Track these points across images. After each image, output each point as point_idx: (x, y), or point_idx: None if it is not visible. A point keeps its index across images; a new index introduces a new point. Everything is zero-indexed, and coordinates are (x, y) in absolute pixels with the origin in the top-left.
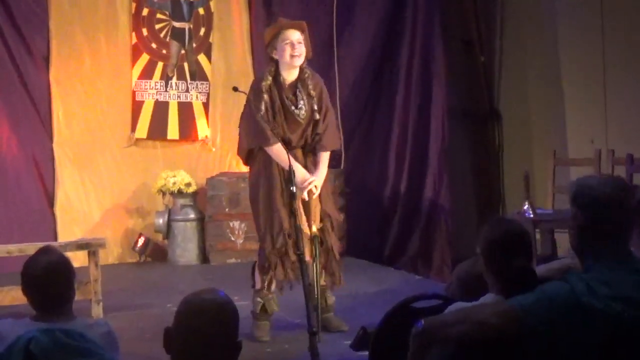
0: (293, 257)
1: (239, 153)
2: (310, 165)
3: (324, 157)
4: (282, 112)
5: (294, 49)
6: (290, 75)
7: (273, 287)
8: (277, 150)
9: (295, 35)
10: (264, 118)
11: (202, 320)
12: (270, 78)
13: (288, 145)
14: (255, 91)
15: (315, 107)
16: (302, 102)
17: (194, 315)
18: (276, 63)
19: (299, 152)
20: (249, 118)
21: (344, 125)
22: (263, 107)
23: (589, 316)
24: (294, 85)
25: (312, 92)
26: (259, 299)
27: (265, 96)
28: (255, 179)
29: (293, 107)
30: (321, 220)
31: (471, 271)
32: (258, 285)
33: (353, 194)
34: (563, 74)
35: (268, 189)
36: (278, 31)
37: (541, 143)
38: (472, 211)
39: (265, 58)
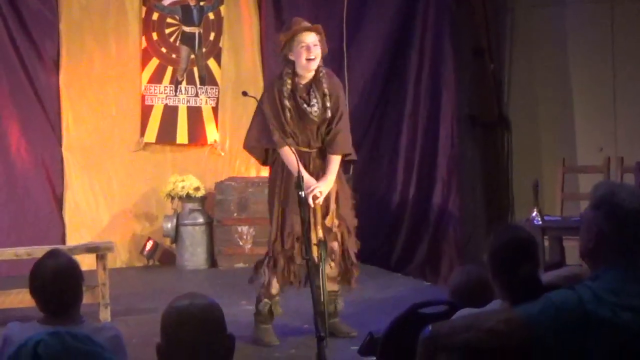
0: (298, 261)
1: (249, 149)
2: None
3: (334, 161)
4: (296, 112)
5: (310, 52)
6: (306, 76)
7: (273, 289)
8: (287, 154)
9: (310, 38)
10: (286, 121)
11: (188, 329)
12: (289, 82)
13: (307, 146)
14: (272, 94)
15: (328, 105)
16: (314, 100)
17: (179, 326)
18: (293, 63)
19: (317, 156)
20: (262, 119)
21: (352, 131)
22: (288, 114)
23: (596, 325)
24: (309, 84)
25: (326, 91)
26: (266, 300)
27: (287, 102)
28: (273, 180)
29: (305, 105)
30: (338, 226)
31: (467, 281)
32: (264, 281)
33: (361, 200)
34: (572, 81)
35: (284, 192)
36: (294, 35)
37: (550, 150)
38: (481, 218)
39: (281, 59)
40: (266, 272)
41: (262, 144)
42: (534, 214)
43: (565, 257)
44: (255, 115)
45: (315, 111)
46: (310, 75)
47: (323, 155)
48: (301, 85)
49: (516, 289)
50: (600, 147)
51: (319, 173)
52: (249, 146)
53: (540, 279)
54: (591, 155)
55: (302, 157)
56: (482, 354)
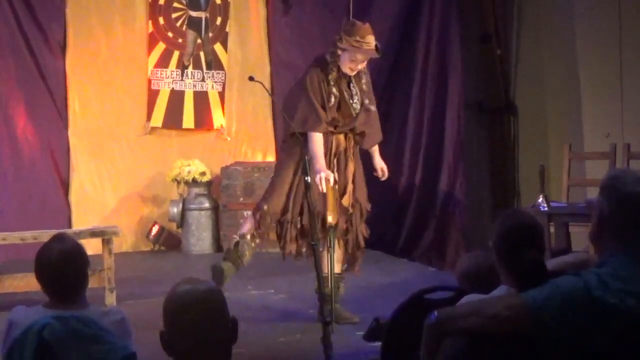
0: (308, 239)
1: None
2: (350, 153)
3: (376, 149)
4: (338, 101)
5: (356, 67)
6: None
7: (256, 239)
8: (318, 139)
9: (364, 60)
10: (330, 107)
11: (190, 314)
12: (335, 70)
13: (335, 127)
14: (317, 80)
15: (367, 101)
16: (356, 97)
17: (181, 312)
18: (338, 55)
19: (342, 137)
20: (309, 101)
21: None
22: (333, 100)
23: (601, 311)
24: (348, 77)
25: (365, 87)
26: (235, 236)
27: (334, 89)
28: (296, 155)
29: (350, 100)
30: (352, 206)
31: (476, 266)
32: (245, 230)
33: (367, 185)
34: (579, 67)
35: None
36: (358, 47)
37: (557, 136)
38: (486, 204)
39: (331, 45)
40: (254, 222)
41: (302, 129)
42: (540, 199)
43: (571, 244)
44: (301, 93)
45: (358, 106)
46: None
47: (349, 138)
48: (343, 77)
49: (522, 275)
50: (607, 133)
51: (340, 153)
52: (296, 122)
53: (545, 265)
54: (598, 142)
55: (326, 135)
56: (487, 339)
